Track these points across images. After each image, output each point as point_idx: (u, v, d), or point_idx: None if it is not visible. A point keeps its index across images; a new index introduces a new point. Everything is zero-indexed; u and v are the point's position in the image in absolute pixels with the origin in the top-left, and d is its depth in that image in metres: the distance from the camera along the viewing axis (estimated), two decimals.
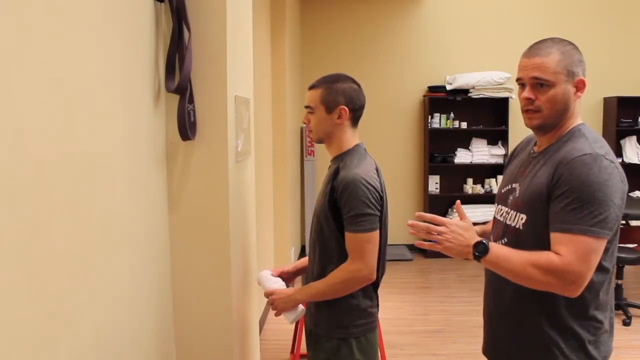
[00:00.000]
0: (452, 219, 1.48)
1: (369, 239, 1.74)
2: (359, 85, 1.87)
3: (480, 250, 1.44)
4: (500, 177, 6.14)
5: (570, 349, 1.48)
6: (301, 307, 1.89)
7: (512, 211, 1.56)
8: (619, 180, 1.40)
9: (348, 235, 1.75)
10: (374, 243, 1.76)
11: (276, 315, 1.91)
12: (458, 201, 1.61)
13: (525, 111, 1.52)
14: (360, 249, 1.74)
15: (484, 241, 1.44)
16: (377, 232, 1.77)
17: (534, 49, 1.50)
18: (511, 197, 1.58)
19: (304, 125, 2.03)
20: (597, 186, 1.36)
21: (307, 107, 1.87)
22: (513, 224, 1.54)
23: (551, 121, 1.50)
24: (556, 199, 1.41)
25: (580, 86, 1.48)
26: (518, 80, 1.52)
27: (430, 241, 1.49)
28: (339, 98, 1.82)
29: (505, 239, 1.57)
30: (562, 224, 1.39)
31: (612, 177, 1.38)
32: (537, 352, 1.52)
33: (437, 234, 1.46)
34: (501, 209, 1.63)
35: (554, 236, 1.41)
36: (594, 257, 1.38)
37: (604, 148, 1.44)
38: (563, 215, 1.39)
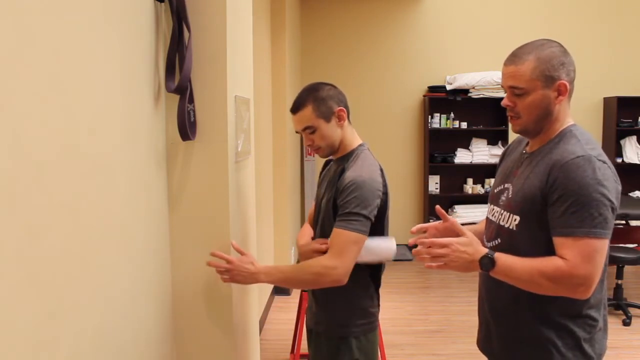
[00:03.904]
0: (452, 238, 1.47)
1: (356, 240, 1.68)
2: (332, 85, 1.87)
3: (486, 265, 1.44)
4: None
5: (566, 347, 1.49)
6: None
7: (505, 212, 1.56)
8: (613, 180, 1.41)
9: (335, 230, 1.70)
10: (358, 247, 1.69)
11: (225, 281, 1.74)
12: (455, 220, 1.58)
13: (509, 117, 1.55)
14: (342, 248, 1.67)
15: (489, 255, 1.44)
16: (365, 237, 1.70)
17: (511, 56, 1.52)
18: (503, 198, 1.58)
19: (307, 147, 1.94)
20: (594, 187, 1.37)
21: (305, 129, 1.81)
22: (506, 225, 1.54)
23: (532, 126, 1.52)
24: (554, 204, 1.41)
25: (562, 90, 1.47)
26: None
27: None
28: (330, 103, 1.80)
29: (499, 240, 1.58)
30: (564, 227, 1.39)
31: (606, 177, 1.39)
32: (533, 350, 1.52)
33: (441, 255, 1.46)
34: (493, 209, 1.63)
35: (557, 241, 1.41)
36: (599, 258, 1.38)
37: (596, 149, 1.45)
38: (564, 220, 1.39)
